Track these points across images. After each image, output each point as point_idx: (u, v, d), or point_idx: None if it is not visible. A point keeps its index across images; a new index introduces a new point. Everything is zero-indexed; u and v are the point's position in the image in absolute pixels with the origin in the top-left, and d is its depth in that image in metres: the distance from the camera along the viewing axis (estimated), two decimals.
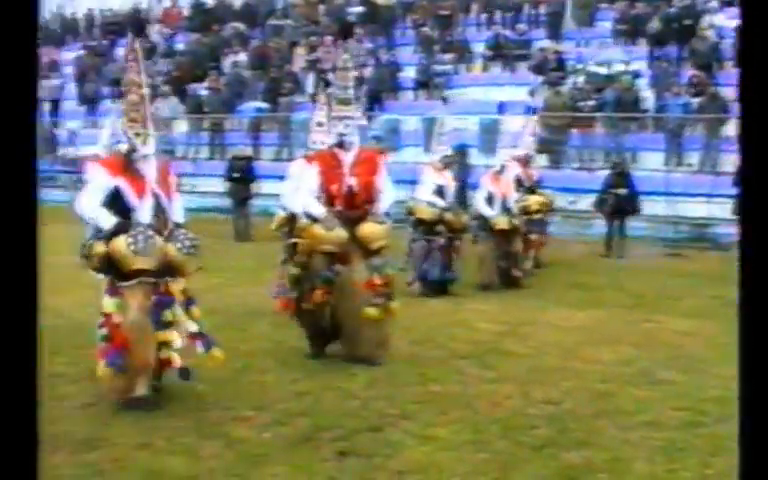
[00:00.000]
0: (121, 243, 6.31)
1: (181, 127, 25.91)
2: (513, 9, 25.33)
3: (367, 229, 7.83)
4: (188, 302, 6.77)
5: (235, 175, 19.12)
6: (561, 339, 8.99)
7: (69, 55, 31.97)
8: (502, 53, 23.65)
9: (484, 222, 12.46)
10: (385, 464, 5.44)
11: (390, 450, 5.66)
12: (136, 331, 6.34)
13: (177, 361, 6.59)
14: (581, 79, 21.09)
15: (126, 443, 5.76)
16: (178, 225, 6.75)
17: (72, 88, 30.04)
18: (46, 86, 29.32)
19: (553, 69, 21.66)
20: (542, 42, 23.19)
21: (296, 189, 8.84)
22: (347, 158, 7.97)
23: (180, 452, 5.62)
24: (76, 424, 6.12)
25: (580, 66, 21.69)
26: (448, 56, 23.91)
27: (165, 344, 6.56)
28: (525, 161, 14.64)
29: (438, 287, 11.67)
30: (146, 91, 6.86)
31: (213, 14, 31.10)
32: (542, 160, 18.61)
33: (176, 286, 6.64)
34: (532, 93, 21.74)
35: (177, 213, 6.83)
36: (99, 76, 29.31)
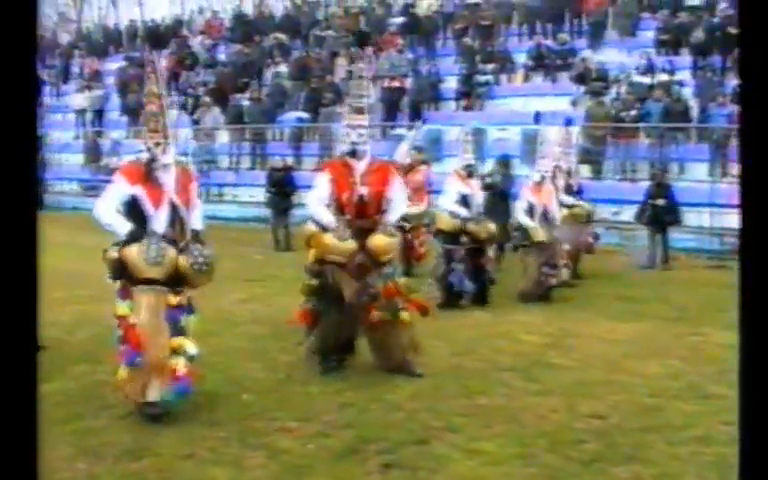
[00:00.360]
0: (133, 251, 6.37)
1: (223, 138, 26.08)
2: (554, 19, 25.18)
3: (377, 240, 7.70)
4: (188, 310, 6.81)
5: (274, 186, 19.15)
6: (606, 352, 8.88)
7: (112, 66, 32.36)
8: (543, 63, 23.52)
9: (525, 233, 12.33)
10: (430, 478, 5.40)
11: (435, 464, 5.61)
12: (149, 331, 6.36)
13: (181, 370, 6.51)
14: (624, 89, 20.90)
15: (170, 453, 5.76)
16: (197, 234, 6.80)
17: (115, 98, 30.34)
18: (89, 96, 29.69)
19: (595, 79, 21.49)
20: (584, 52, 23.03)
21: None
22: (359, 167, 7.86)
23: (224, 463, 5.62)
24: (119, 434, 6.13)
25: (622, 76, 21.50)
26: (489, 66, 23.83)
27: (177, 352, 6.54)
28: (567, 172, 14.64)
29: (457, 299, 11.31)
30: (165, 101, 6.93)
31: (255, 25, 31.35)
32: (584, 170, 18.48)
33: (184, 296, 6.67)
34: (574, 103, 21.59)
35: (196, 222, 6.87)
36: (141, 87, 29.52)
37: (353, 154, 7.91)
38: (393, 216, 7.97)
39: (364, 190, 7.79)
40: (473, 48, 24.71)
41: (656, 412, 6.78)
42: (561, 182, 14.11)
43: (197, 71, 29.32)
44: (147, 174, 6.60)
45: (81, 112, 30.16)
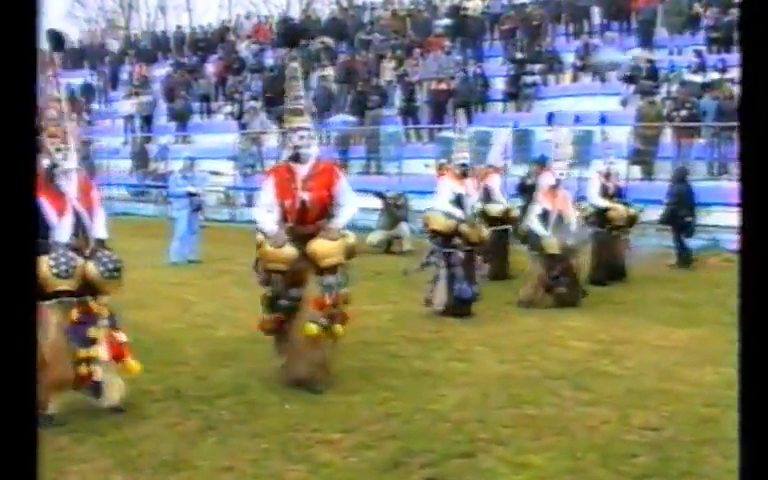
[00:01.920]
0: (43, 265, 6.21)
1: (270, 141, 26.09)
2: (602, 18, 24.87)
3: (317, 246, 7.32)
4: (111, 319, 6.73)
5: None
6: (659, 359, 8.60)
7: (160, 71, 32.58)
8: (592, 63, 23.20)
9: (536, 240, 11.80)
10: None
11: (482, 478, 5.42)
12: (54, 350, 6.25)
13: (98, 374, 6.51)
14: (675, 88, 20.51)
15: (209, 466, 5.64)
16: (100, 242, 6.70)
17: (162, 104, 30.55)
18: (137, 102, 29.93)
19: (645, 78, 21.13)
20: (634, 51, 22.67)
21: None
22: (302, 171, 7.53)
23: (264, 476, 5.48)
24: (159, 444, 6.03)
25: (673, 75, 21.11)
26: (537, 67, 23.56)
27: (88, 360, 6.49)
28: (607, 174, 14.38)
29: (459, 306, 10.73)
30: (65, 106, 6.86)
31: (301, 29, 31.36)
32: (635, 171, 18.15)
33: (98, 304, 6.59)
34: (624, 103, 21.26)
35: (99, 230, 6.77)
36: (189, 92, 29.76)
37: (296, 158, 7.58)
38: (341, 220, 7.57)
39: (306, 195, 7.45)
40: (521, 48, 24.46)
41: (712, 423, 6.51)
42: (603, 183, 13.91)
43: (244, 76, 29.41)
44: (48, 182, 6.48)
45: (129, 118, 30.39)
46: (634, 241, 14.74)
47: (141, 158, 28.10)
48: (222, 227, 18.67)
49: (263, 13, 37.69)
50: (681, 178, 16.01)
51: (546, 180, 13.15)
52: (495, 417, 6.66)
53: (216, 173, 21.73)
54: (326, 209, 7.55)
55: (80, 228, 6.57)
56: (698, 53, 21.17)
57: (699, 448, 5.95)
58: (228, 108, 28.82)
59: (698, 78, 20.29)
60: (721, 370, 8.08)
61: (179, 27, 38.53)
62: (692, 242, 16.18)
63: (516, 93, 23.38)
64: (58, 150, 6.54)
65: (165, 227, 17.69)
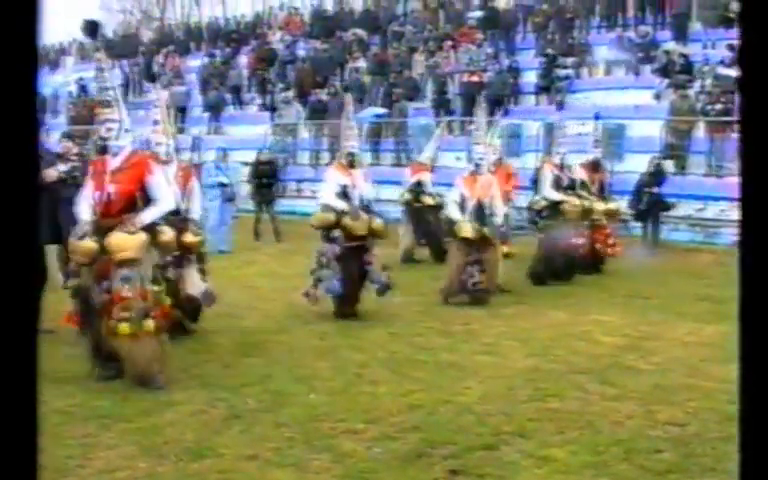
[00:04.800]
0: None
1: (303, 133, 26.14)
2: (636, 11, 24.65)
3: (113, 238, 7.15)
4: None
5: (258, 177, 18.96)
6: (687, 355, 8.54)
7: (194, 63, 32.72)
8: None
9: (452, 226, 11.44)
10: None
11: (504, 471, 5.41)
12: None
13: None
14: (709, 82, 20.29)
15: (233, 453, 5.67)
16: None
17: (197, 95, 30.66)
18: (171, 93, 30.05)
19: (679, 71, 20.93)
20: (667, 44, 22.46)
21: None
22: (112, 163, 7.42)
23: (287, 465, 5.50)
24: (184, 432, 6.07)
25: (707, 68, 20.88)
26: (570, 60, 23.42)
27: None
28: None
29: (341, 302, 10.18)
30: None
31: (334, 21, 31.38)
32: (668, 166, 17.99)
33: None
34: (657, 96, 21.08)
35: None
36: (222, 83, 29.86)
37: (103, 150, 7.51)
38: (146, 214, 7.42)
39: (111, 188, 7.34)
40: (553, 41, 24.32)
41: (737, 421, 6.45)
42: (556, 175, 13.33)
43: (277, 67, 29.47)
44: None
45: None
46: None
47: (174, 149, 28.15)
48: (253, 218, 18.73)
49: (295, 4, 37.64)
50: (653, 166, 16.33)
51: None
52: (519, 410, 6.65)
53: (248, 164, 21.78)
54: (133, 203, 7.40)
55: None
56: (732, 47, 20.92)
57: (724, 445, 5.88)
58: (260, 99, 28.89)
59: (732, 72, 20.05)
60: None
61: (213, 18, 38.69)
62: (724, 238, 16.05)
63: (548, 86, 23.25)
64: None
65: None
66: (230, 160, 18.38)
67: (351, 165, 10.61)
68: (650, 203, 15.79)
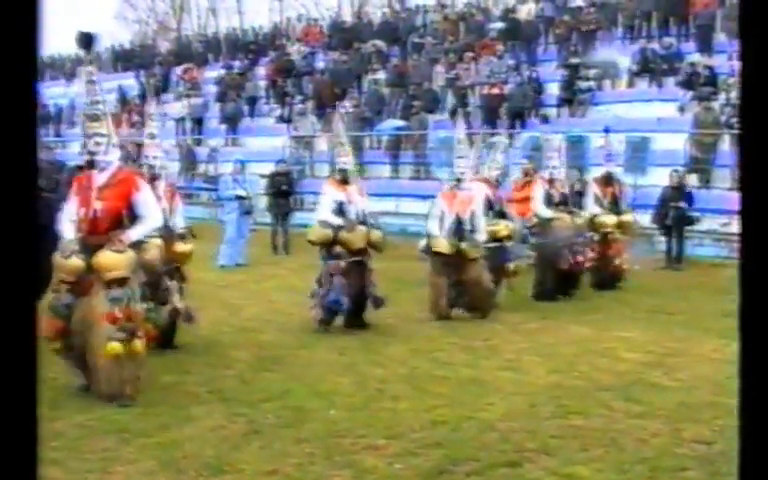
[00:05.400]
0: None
1: (321, 145, 26.06)
2: (660, 22, 24.49)
3: (101, 257, 7.03)
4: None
5: (275, 189, 18.84)
6: (713, 372, 8.37)
7: (211, 74, 32.75)
8: (648, 68, 22.84)
9: (429, 241, 11.22)
10: None
11: None
12: None
13: None
14: (733, 94, 20.11)
15: (253, 469, 5.61)
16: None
17: (214, 106, 30.67)
18: (188, 104, 30.07)
19: (703, 83, 20.75)
20: (692, 56, 22.29)
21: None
22: (99, 179, 7.28)
23: None
24: (203, 447, 6.01)
25: (732, 80, 20.70)
26: (592, 72, 23.27)
27: None
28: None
29: (348, 316, 10.26)
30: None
31: (353, 32, 31.34)
32: (692, 179, 17.82)
33: None
34: (681, 109, 20.91)
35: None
36: (239, 95, 29.86)
37: (91, 165, 7.38)
38: (134, 232, 7.30)
39: (98, 205, 7.20)
40: (575, 53, 24.19)
41: None
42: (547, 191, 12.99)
43: (294, 79, 29.43)
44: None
45: (180, 120, 30.47)
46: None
47: (189, 160, 28.11)
48: (270, 231, 18.68)
49: (314, 16, 37.68)
50: (676, 180, 16.28)
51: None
52: (543, 427, 6.54)
53: (265, 176, 21.74)
54: (119, 220, 7.28)
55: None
56: None
57: None
58: (278, 111, 28.86)
59: None
60: None
61: (230, 29, 38.77)
62: None
63: (571, 99, 23.10)
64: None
65: (214, 230, 17.75)
66: (247, 172, 18.29)
67: (345, 181, 10.63)
68: (674, 218, 15.65)
